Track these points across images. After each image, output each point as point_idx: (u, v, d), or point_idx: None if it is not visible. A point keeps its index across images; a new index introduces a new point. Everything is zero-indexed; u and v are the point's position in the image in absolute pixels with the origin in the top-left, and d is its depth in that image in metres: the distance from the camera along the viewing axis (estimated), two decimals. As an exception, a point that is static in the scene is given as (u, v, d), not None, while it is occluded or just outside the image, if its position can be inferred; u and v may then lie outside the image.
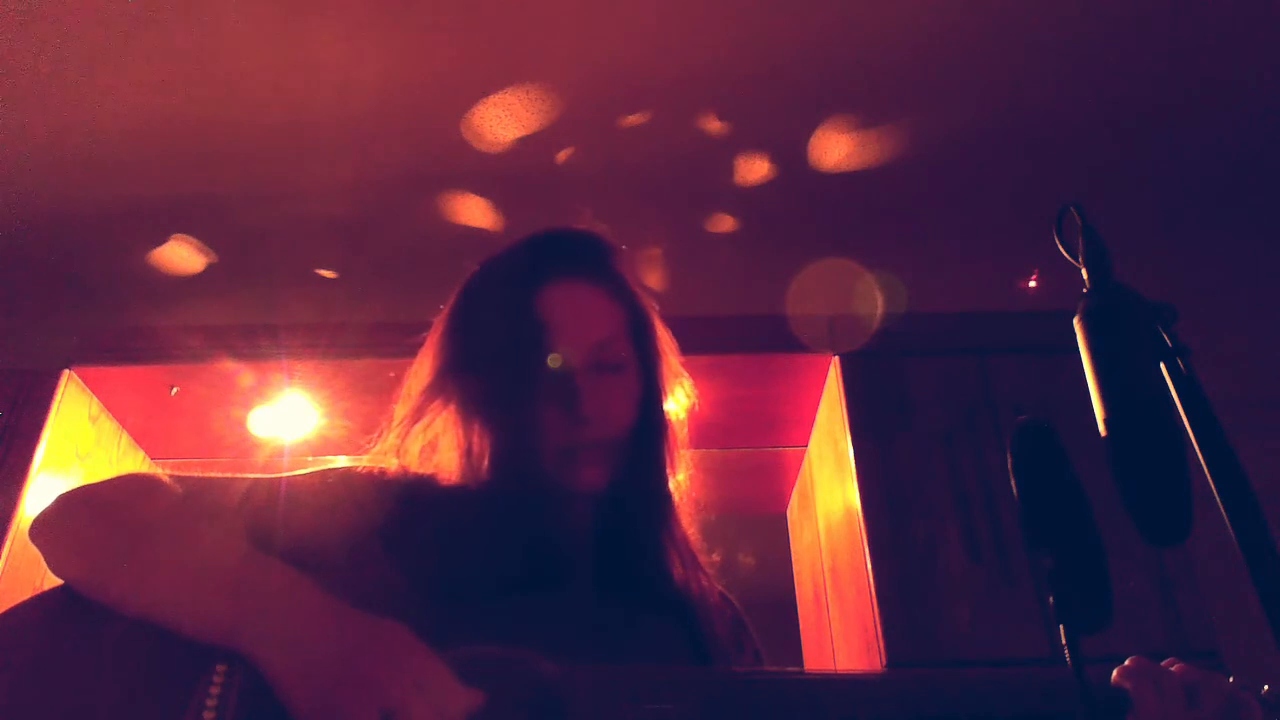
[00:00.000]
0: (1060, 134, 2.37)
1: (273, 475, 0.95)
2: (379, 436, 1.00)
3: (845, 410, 2.04)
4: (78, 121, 2.13)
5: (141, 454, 2.37)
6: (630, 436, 0.96)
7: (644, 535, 0.97)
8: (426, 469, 0.97)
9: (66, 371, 2.10)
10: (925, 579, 1.84)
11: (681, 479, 1.03)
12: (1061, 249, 0.86)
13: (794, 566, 2.57)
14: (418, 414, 0.98)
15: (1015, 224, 2.47)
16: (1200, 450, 0.67)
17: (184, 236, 2.49)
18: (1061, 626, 0.68)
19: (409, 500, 0.92)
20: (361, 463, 0.98)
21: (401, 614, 0.75)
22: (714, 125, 2.28)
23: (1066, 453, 0.75)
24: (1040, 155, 2.42)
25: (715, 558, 1.05)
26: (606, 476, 0.93)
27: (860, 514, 1.91)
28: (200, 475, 0.94)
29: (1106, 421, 0.71)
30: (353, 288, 2.69)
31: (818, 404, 2.26)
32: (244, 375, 2.13)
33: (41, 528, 0.87)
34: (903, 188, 2.47)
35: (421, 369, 1.02)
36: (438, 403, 0.97)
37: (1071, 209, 0.85)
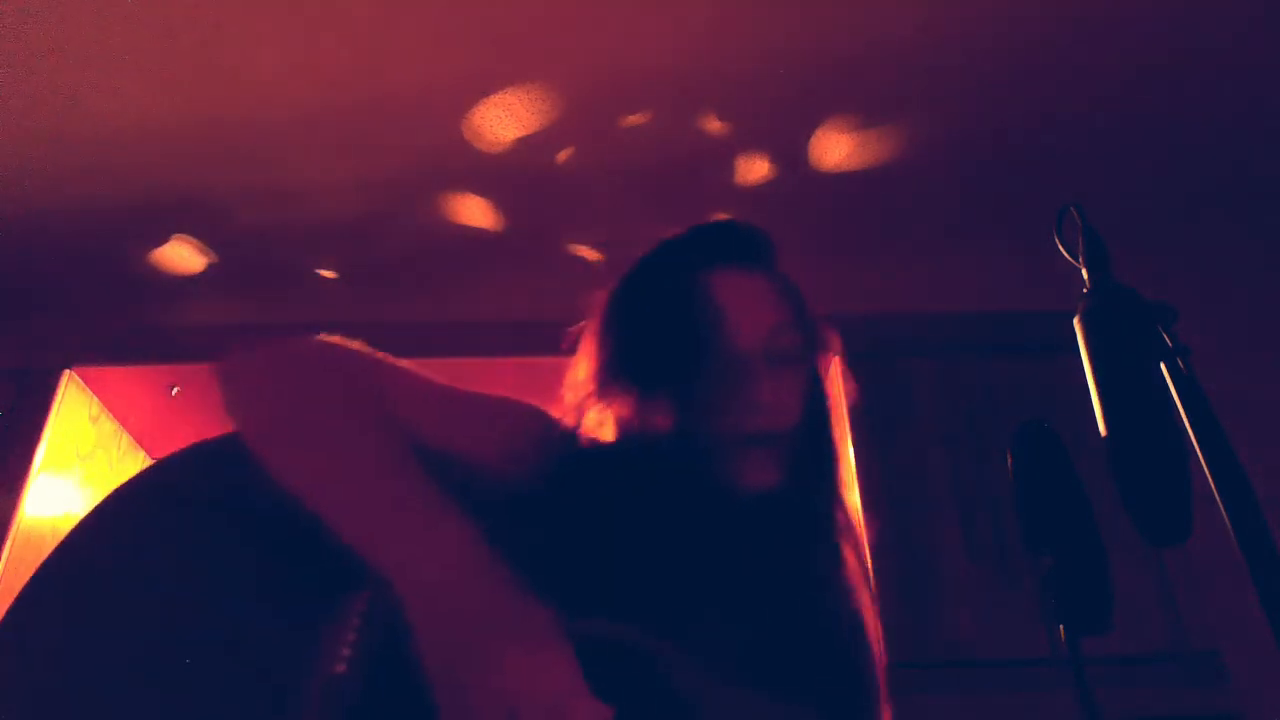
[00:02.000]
0: (1061, 134, 2.37)
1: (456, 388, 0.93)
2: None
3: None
4: (78, 121, 2.13)
5: (142, 454, 2.37)
6: (799, 433, 0.94)
7: (813, 539, 0.94)
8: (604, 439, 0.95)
9: (67, 371, 2.10)
10: (925, 579, 1.84)
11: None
12: (1062, 249, 0.86)
13: (794, 566, 2.56)
14: (593, 398, 0.96)
15: (1015, 224, 2.47)
16: (1200, 450, 0.67)
17: (184, 236, 2.49)
18: (1061, 627, 0.68)
19: (583, 455, 0.91)
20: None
21: (545, 561, 0.72)
22: (714, 125, 2.28)
23: (1067, 454, 0.75)
24: (1041, 155, 2.41)
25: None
26: (776, 477, 0.91)
27: (860, 514, 1.91)
28: (377, 359, 0.91)
29: (1106, 421, 0.72)
30: (353, 288, 2.69)
31: (818, 404, 2.25)
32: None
33: (232, 371, 0.86)
34: (903, 188, 2.47)
35: (587, 357, 1.00)
36: (613, 387, 0.95)
37: (1072, 209, 0.85)
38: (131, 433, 2.32)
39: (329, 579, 0.75)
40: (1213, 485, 0.65)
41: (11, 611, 0.72)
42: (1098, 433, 0.73)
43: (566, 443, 0.92)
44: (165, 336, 2.33)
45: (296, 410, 0.82)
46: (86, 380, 2.14)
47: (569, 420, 0.96)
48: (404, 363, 0.92)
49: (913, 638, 1.77)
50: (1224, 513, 0.64)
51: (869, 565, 0.99)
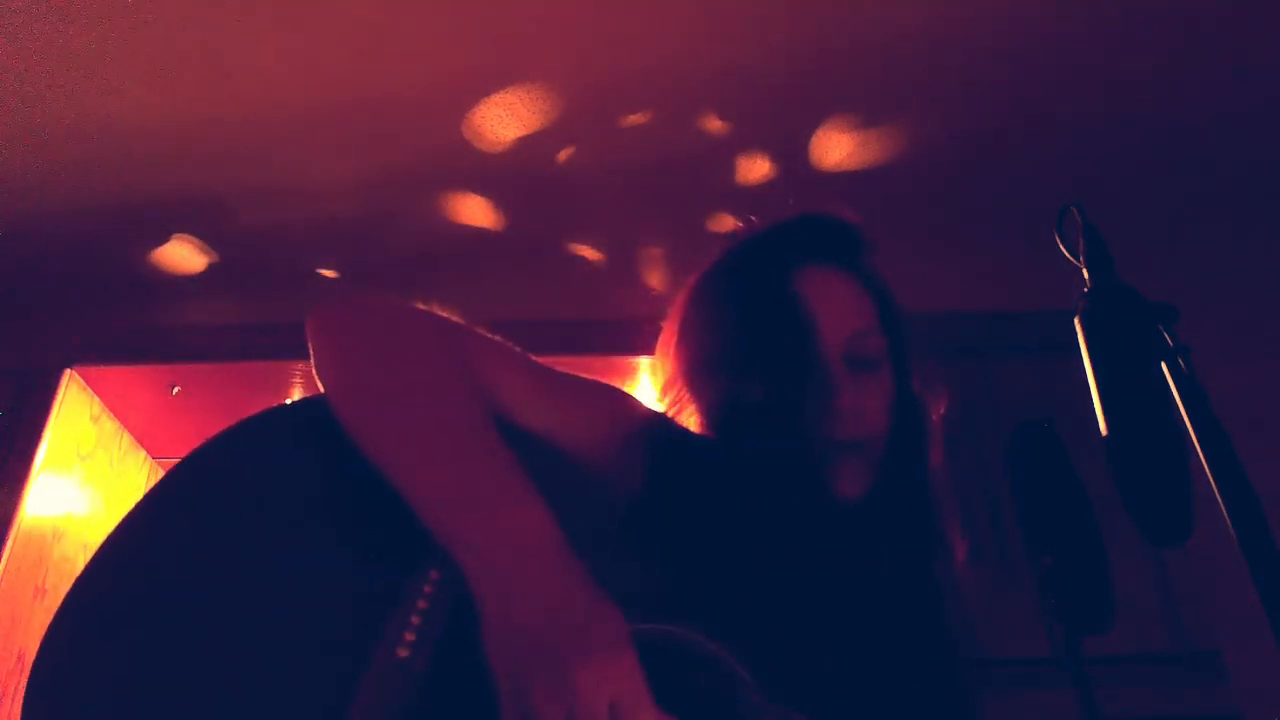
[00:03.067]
0: (1061, 133, 2.37)
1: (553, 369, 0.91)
2: None
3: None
4: (78, 121, 2.13)
5: (143, 453, 2.37)
6: (888, 441, 0.91)
7: (905, 551, 0.91)
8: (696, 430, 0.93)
9: (67, 371, 2.10)
10: (925, 579, 1.84)
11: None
12: (1062, 248, 0.86)
13: (794, 566, 2.56)
14: (685, 400, 0.94)
15: (1016, 224, 2.47)
16: (1201, 450, 0.67)
17: (185, 236, 2.49)
18: (1062, 626, 0.68)
19: (681, 449, 0.88)
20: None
21: (636, 560, 0.71)
22: (714, 125, 2.28)
23: (1067, 454, 0.75)
24: (1041, 155, 2.41)
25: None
26: (864, 485, 0.88)
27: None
28: (470, 331, 0.89)
29: (1107, 421, 0.72)
30: (353, 288, 2.69)
31: (818, 404, 2.25)
32: (245, 375, 2.13)
33: (325, 327, 0.84)
34: (903, 188, 2.47)
35: (674, 351, 0.98)
36: (702, 386, 0.93)
37: (1073, 209, 0.85)
38: (132, 432, 2.32)
39: (405, 554, 0.73)
40: (1213, 485, 0.65)
41: (75, 600, 0.70)
42: (1098, 433, 0.73)
43: (664, 434, 0.90)
44: (166, 336, 2.33)
45: (387, 374, 0.80)
46: (87, 380, 2.14)
47: (664, 414, 0.94)
48: (496, 338, 0.90)
49: (913, 637, 1.77)
50: (1224, 513, 0.64)
51: (963, 579, 0.93)
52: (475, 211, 2.49)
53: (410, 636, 0.69)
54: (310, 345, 0.83)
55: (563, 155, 2.33)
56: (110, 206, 2.37)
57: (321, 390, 0.81)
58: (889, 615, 0.86)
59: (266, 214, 2.45)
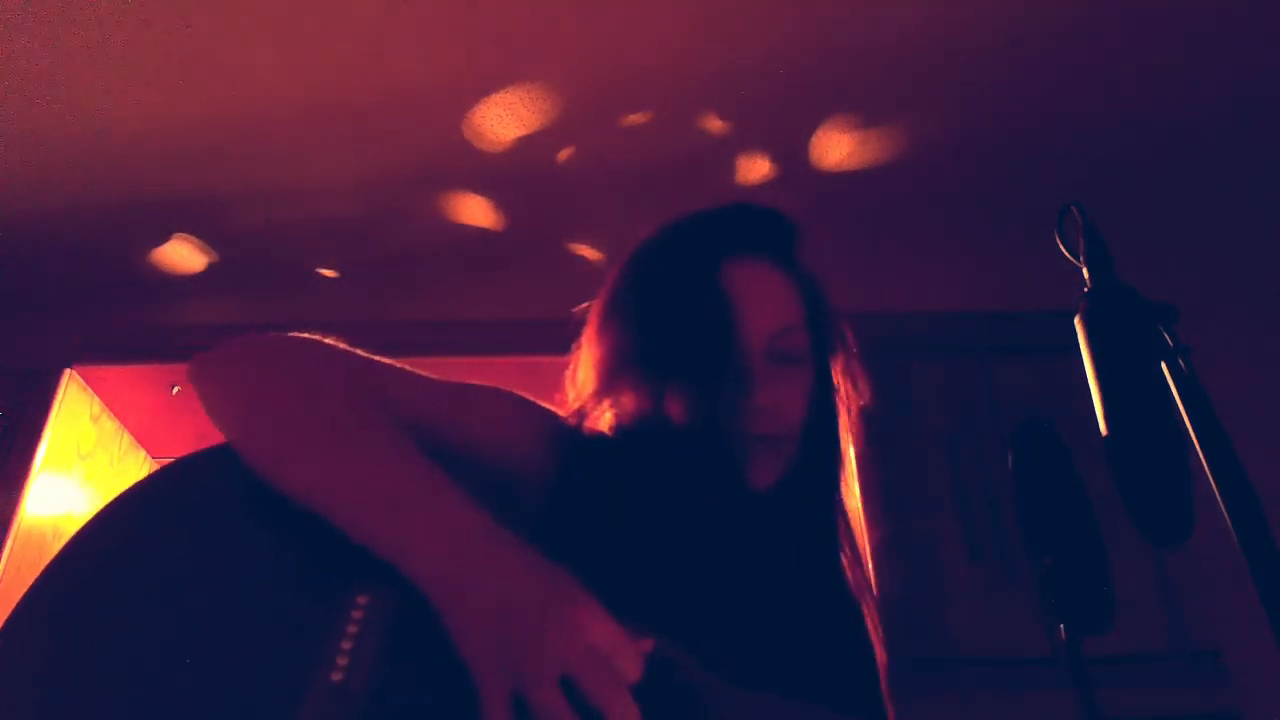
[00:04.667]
0: (1061, 133, 2.37)
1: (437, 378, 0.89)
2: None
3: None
4: (78, 121, 2.13)
5: (143, 453, 2.37)
6: (802, 436, 0.92)
7: (811, 540, 0.92)
8: (605, 430, 0.92)
9: (67, 371, 2.10)
10: (925, 579, 1.84)
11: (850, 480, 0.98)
12: (1063, 248, 0.86)
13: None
14: (603, 393, 0.92)
15: (1016, 223, 2.47)
16: (1201, 450, 0.67)
17: (185, 236, 2.49)
18: (1062, 626, 0.68)
19: (590, 447, 0.88)
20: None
21: (562, 559, 0.71)
22: (715, 124, 2.28)
23: (1067, 454, 0.75)
24: (1041, 155, 2.41)
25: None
26: (775, 476, 0.89)
27: (861, 513, 1.91)
28: (365, 355, 0.88)
29: (1107, 421, 0.72)
30: (353, 288, 2.69)
31: (818, 404, 2.25)
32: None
33: (209, 367, 0.82)
34: (903, 188, 2.47)
35: (593, 346, 0.97)
36: (620, 380, 0.92)
37: (1073, 208, 0.85)
38: (132, 432, 2.32)
39: (333, 583, 0.74)
40: (1213, 485, 0.65)
41: (16, 611, 0.71)
42: (1098, 432, 0.73)
43: (573, 436, 0.89)
44: (166, 336, 2.33)
45: (288, 407, 0.78)
46: (87, 379, 2.14)
47: (574, 411, 0.93)
48: (394, 361, 0.89)
49: (913, 638, 1.77)
50: (1224, 513, 0.64)
51: (869, 568, 0.98)
52: (475, 211, 2.49)
53: (343, 660, 0.69)
54: (199, 393, 0.81)
55: (563, 155, 2.33)
56: (110, 206, 2.37)
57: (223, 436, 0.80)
58: (798, 602, 0.87)
59: (266, 214, 2.45)
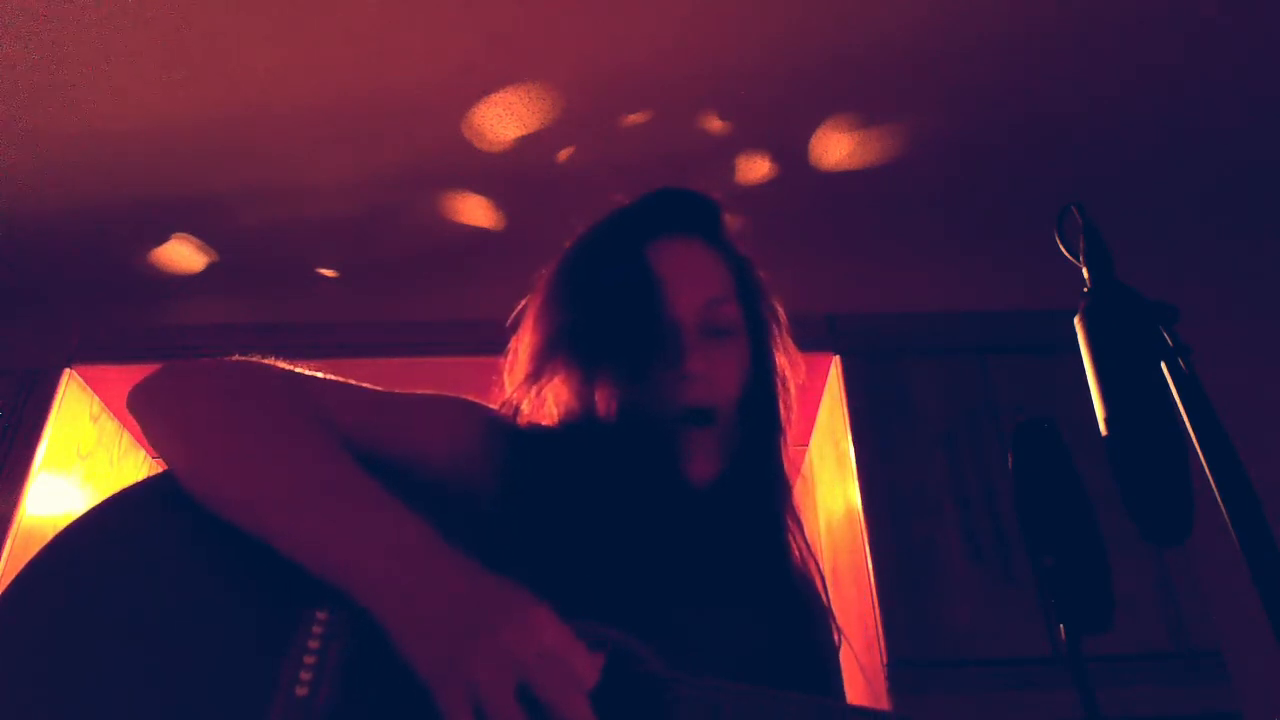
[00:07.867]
0: (1061, 134, 2.37)
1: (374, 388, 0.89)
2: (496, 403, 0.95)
3: (846, 410, 2.04)
4: (78, 121, 2.13)
5: (143, 453, 2.37)
6: (738, 410, 0.92)
7: (759, 525, 0.93)
8: (546, 423, 0.93)
9: (67, 371, 2.10)
10: (925, 578, 1.84)
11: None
12: (1063, 248, 0.86)
13: (794, 566, 2.56)
14: (535, 377, 0.93)
15: (1016, 223, 2.47)
16: (1201, 450, 0.67)
17: (185, 235, 2.49)
18: (1062, 626, 0.68)
19: (529, 443, 0.88)
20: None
21: (512, 561, 0.71)
22: (714, 125, 2.28)
23: (1067, 453, 0.75)
24: (1041, 155, 2.42)
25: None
26: (715, 468, 0.90)
27: (861, 513, 1.91)
28: (302, 373, 0.88)
29: (1107, 421, 0.72)
30: (353, 288, 2.69)
31: (818, 403, 2.26)
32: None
33: (145, 396, 0.82)
34: (903, 187, 2.47)
35: (529, 331, 0.98)
36: (552, 364, 0.93)
37: (1073, 208, 0.85)
38: (132, 432, 2.32)
39: (291, 601, 0.73)
40: (1213, 485, 0.65)
41: None
42: (1098, 432, 0.73)
43: (509, 432, 0.89)
44: (166, 336, 2.33)
45: (228, 432, 0.78)
46: (87, 379, 2.14)
47: (505, 401, 0.93)
48: (325, 373, 0.89)
49: (913, 637, 1.77)
50: (1224, 513, 0.64)
51: (817, 553, 0.97)
52: (475, 211, 2.49)
53: (307, 675, 0.69)
54: (140, 422, 0.81)
55: (563, 155, 2.33)
56: (110, 206, 2.37)
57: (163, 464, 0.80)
58: (744, 595, 0.88)
59: (266, 213, 2.45)
